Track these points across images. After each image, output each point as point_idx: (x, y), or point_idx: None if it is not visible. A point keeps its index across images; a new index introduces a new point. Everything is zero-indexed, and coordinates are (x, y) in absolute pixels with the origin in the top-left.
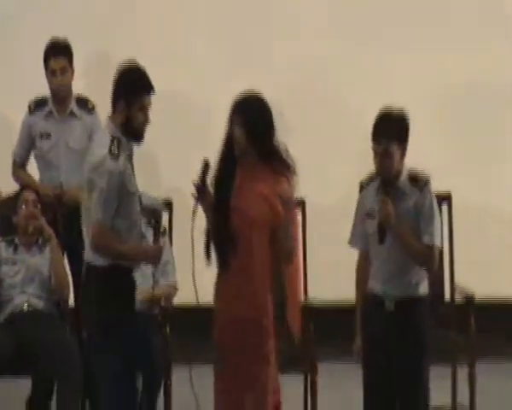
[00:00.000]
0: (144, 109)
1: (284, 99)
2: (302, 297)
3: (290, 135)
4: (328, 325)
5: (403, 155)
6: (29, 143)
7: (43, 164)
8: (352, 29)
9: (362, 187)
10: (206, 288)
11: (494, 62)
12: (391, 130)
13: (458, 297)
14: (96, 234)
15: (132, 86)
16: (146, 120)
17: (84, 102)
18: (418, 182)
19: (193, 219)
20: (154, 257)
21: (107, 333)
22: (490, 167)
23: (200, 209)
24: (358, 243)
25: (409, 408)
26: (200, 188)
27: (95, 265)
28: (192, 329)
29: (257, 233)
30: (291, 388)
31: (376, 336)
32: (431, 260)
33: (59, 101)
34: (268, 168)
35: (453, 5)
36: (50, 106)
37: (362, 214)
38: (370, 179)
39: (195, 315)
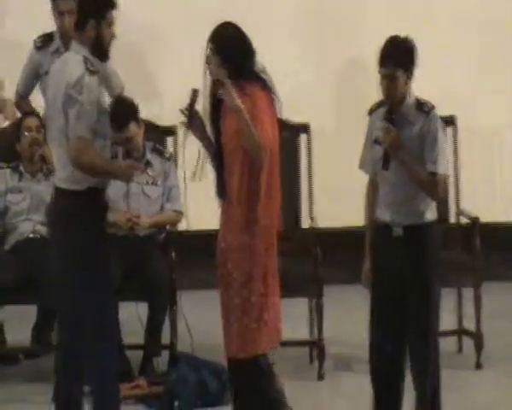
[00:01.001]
0: (111, 26)
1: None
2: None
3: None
4: (333, 249)
5: (409, 80)
6: (34, 79)
7: None
8: None
9: (371, 112)
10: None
11: None
12: (397, 54)
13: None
14: (79, 150)
15: (100, 3)
16: (113, 37)
17: None
18: (423, 108)
19: (183, 147)
20: (127, 174)
21: (90, 258)
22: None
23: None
24: (368, 167)
25: (418, 334)
26: (189, 115)
27: (72, 190)
28: (197, 255)
29: (233, 160)
30: (296, 310)
31: (385, 261)
32: (434, 188)
33: (66, 38)
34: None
35: None
36: (57, 43)
37: (370, 140)
38: (379, 105)
39: (200, 241)
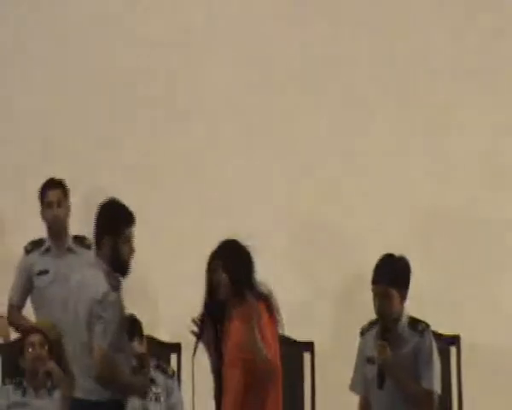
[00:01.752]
0: (129, 241)
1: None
2: None
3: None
4: None
5: (402, 299)
6: (26, 284)
7: (40, 302)
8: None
9: (362, 333)
10: None
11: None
12: (390, 273)
13: None
14: (103, 364)
15: (115, 220)
16: (131, 252)
17: (80, 239)
18: (417, 327)
19: (193, 357)
20: (141, 389)
21: None
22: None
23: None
24: (359, 388)
25: None
26: (201, 325)
27: (92, 401)
28: None
29: (231, 374)
30: None
31: None
32: (430, 406)
33: (55, 235)
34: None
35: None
36: (47, 243)
37: (362, 360)
38: (371, 325)
39: None
